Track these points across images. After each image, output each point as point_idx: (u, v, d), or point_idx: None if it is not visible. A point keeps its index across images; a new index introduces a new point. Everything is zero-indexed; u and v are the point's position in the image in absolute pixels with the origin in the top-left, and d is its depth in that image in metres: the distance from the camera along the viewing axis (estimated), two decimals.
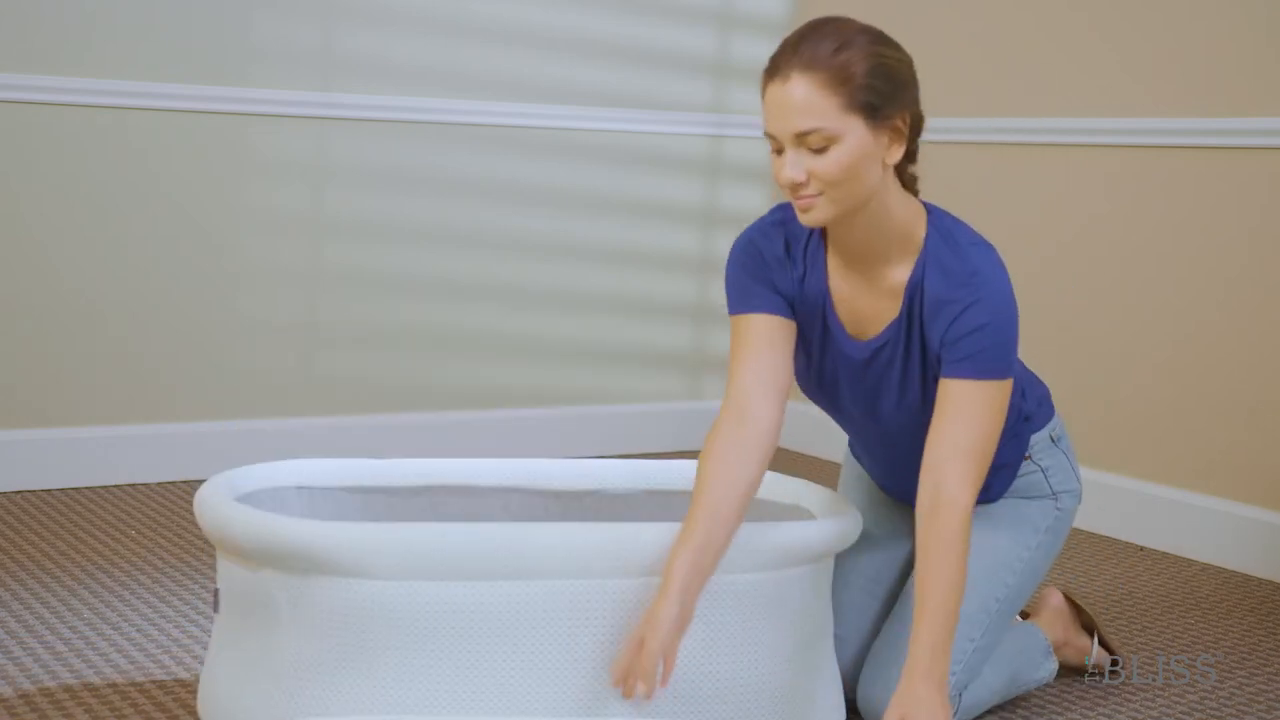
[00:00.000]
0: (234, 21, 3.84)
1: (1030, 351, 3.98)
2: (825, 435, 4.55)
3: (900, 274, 2.23)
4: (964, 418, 2.15)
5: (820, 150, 2.09)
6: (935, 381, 2.26)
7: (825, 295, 2.28)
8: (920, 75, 4.25)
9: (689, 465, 2.60)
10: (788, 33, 4.60)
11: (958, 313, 2.17)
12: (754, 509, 2.55)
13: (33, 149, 3.67)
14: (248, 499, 2.36)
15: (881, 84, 2.10)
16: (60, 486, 3.77)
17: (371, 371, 4.11)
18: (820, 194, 2.12)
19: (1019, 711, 2.58)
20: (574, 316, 4.37)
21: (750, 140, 4.57)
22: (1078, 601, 2.74)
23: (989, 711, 2.58)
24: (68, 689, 2.47)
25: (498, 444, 4.28)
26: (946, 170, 4.18)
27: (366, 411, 4.12)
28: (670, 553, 2.13)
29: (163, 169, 3.81)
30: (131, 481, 3.85)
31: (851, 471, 2.65)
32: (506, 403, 4.31)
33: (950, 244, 2.21)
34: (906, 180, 2.24)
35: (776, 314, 2.27)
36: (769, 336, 2.26)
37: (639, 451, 4.51)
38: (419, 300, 4.15)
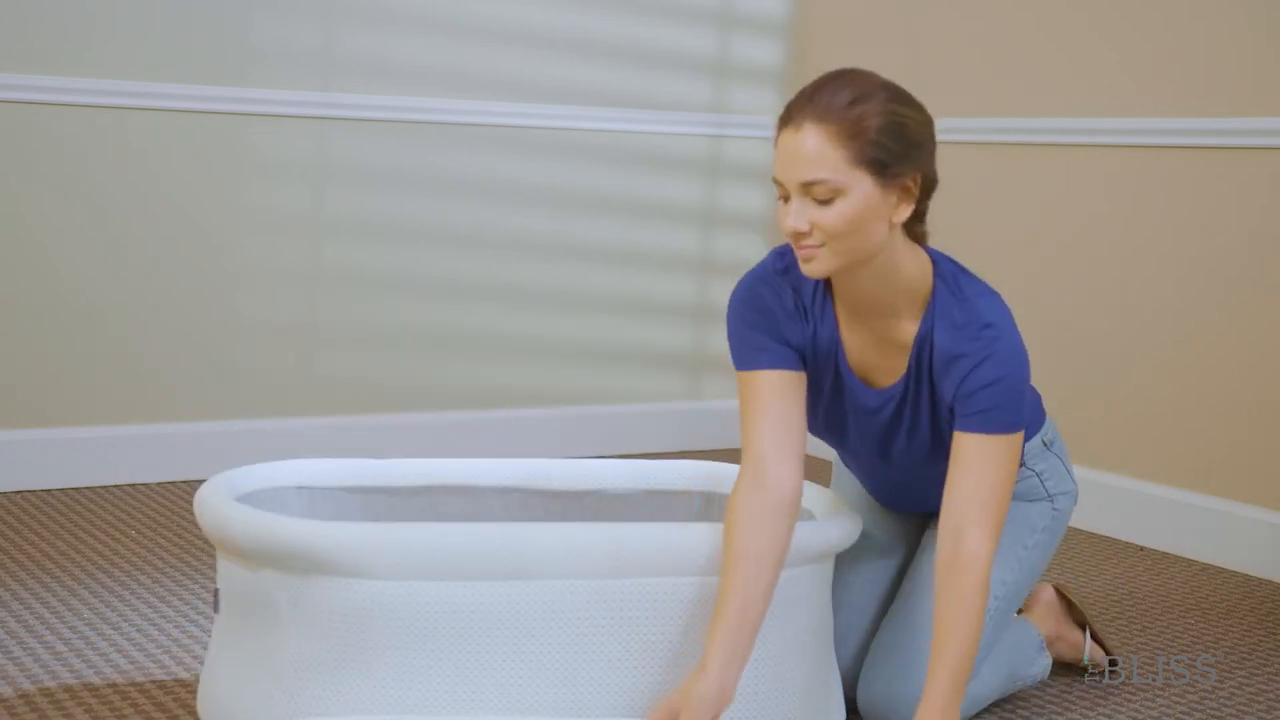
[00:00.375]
0: (234, 21, 3.84)
1: (1031, 351, 3.98)
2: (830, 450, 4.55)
3: (909, 328, 2.22)
4: (979, 471, 2.14)
5: (825, 202, 2.07)
6: (945, 425, 2.27)
7: (837, 345, 2.26)
8: (920, 75, 4.25)
9: (689, 465, 2.60)
10: (787, 33, 4.60)
11: (969, 368, 2.15)
12: None
13: (33, 149, 3.67)
14: (248, 499, 2.36)
15: (893, 142, 2.08)
16: (60, 486, 3.77)
17: (371, 371, 4.11)
18: (822, 245, 2.10)
19: (1019, 712, 2.58)
20: (574, 316, 4.37)
21: (750, 140, 4.57)
22: (1070, 596, 2.74)
23: (989, 711, 2.58)
24: (68, 689, 2.47)
25: (498, 444, 4.28)
26: (947, 170, 4.19)
27: (366, 411, 4.12)
28: (709, 630, 2.10)
29: (163, 169, 3.81)
30: (131, 481, 3.85)
31: (844, 477, 2.66)
32: (506, 403, 4.31)
33: (957, 296, 2.19)
34: (916, 235, 2.22)
35: (785, 368, 2.24)
36: (780, 392, 2.23)
37: (639, 451, 4.51)
38: (419, 300, 4.15)
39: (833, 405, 2.32)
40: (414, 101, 4.06)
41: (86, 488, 3.79)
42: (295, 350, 4.01)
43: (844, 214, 2.08)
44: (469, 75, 4.14)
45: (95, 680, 2.51)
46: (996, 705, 2.60)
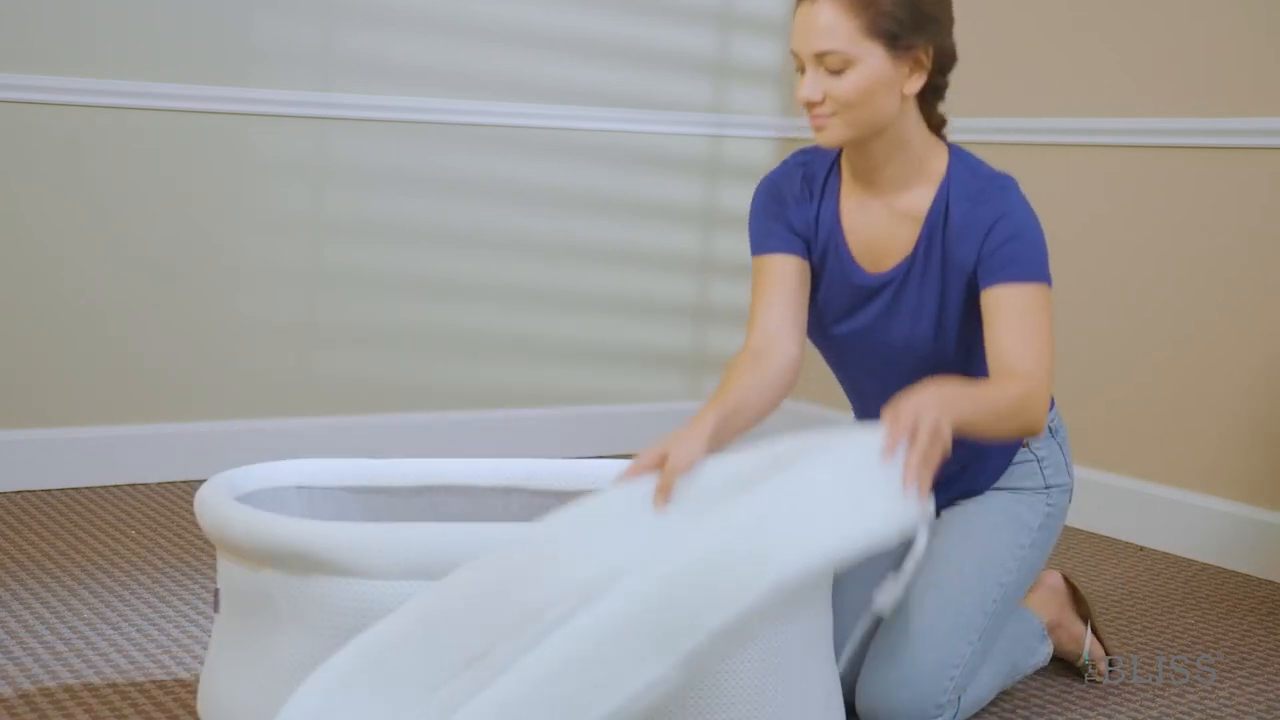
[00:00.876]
0: (234, 21, 3.84)
1: None
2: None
3: (920, 200, 2.27)
4: (1020, 321, 2.19)
5: (837, 72, 2.16)
6: (950, 313, 2.28)
7: (837, 228, 2.32)
8: None
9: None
10: (787, 33, 4.60)
11: (989, 226, 2.21)
12: None
13: (33, 149, 3.67)
14: (248, 499, 2.36)
15: (905, 14, 2.15)
16: (60, 486, 3.77)
17: (371, 371, 4.11)
18: (834, 114, 2.19)
19: (1019, 712, 2.58)
20: (574, 316, 4.37)
21: (750, 140, 4.57)
22: (1077, 587, 2.73)
23: (989, 711, 2.58)
24: (68, 689, 2.47)
25: (498, 444, 4.28)
26: None
27: (366, 411, 4.12)
28: (699, 412, 2.18)
29: (163, 169, 3.81)
30: (131, 481, 3.85)
31: None
32: (506, 403, 4.31)
33: (974, 172, 2.26)
34: (934, 120, 2.29)
35: (794, 254, 2.33)
36: (787, 275, 2.32)
37: (639, 451, 4.51)
38: (419, 300, 4.15)
39: (829, 295, 2.34)
40: (414, 101, 4.06)
41: (86, 488, 3.79)
42: (295, 350, 4.01)
43: (855, 84, 2.16)
44: (469, 75, 4.14)
45: (95, 680, 2.51)
46: (996, 705, 2.60)
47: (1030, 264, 2.21)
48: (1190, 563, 3.57)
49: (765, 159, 4.60)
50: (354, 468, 2.47)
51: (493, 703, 1.86)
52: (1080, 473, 3.84)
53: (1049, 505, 2.47)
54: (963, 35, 4.14)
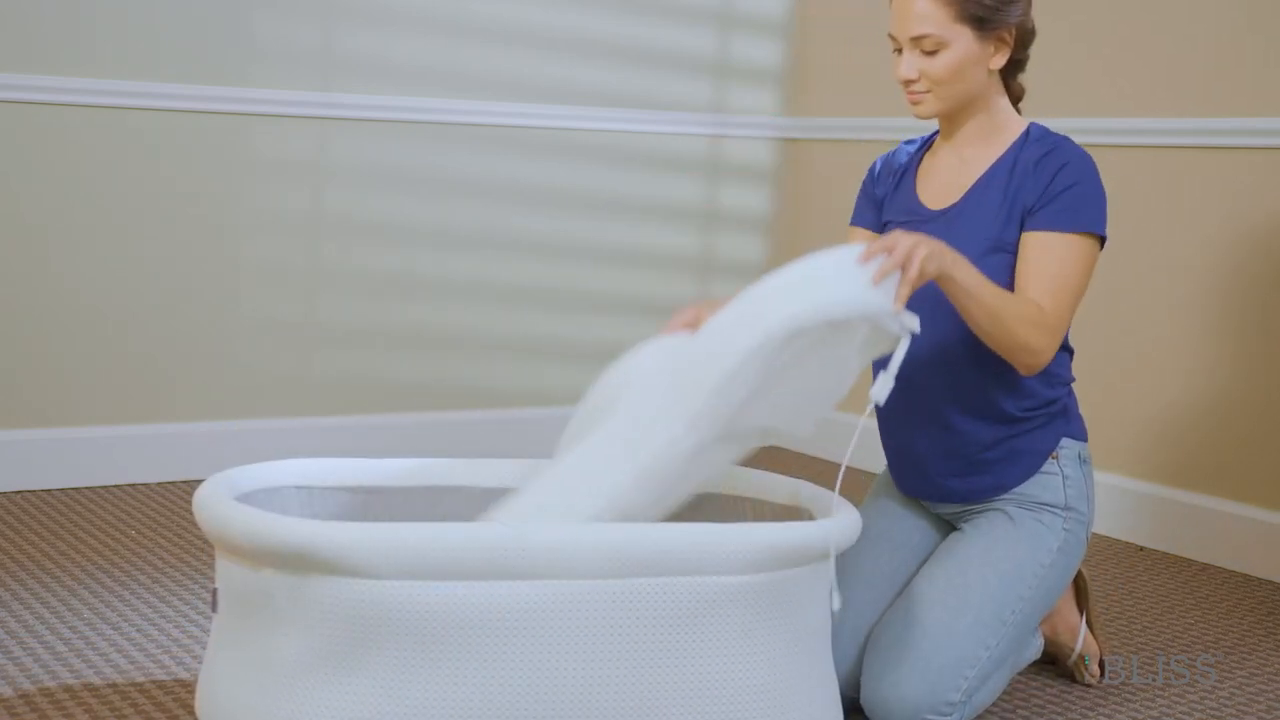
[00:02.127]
0: (234, 21, 3.84)
1: None
2: (827, 436, 4.55)
3: (991, 153, 2.50)
4: (1052, 269, 2.38)
5: (931, 53, 2.41)
6: (992, 246, 2.44)
7: (912, 176, 2.58)
8: None
9: None
10: (787, 33, 4.60)
11: (1054, 171, 2.41)
12: (754, 509, 2.55)
13: (33, 149, 3.67)
14: (247, 499, 2.36)
15: (999, 2, 2.39)
16: (60, 486, 3.77)
17: (371, 371, 4.11)
18: (928, 91, 2.44)
19: (1019, 711, 2.58)
20: (574, 316, 4.37)
21: (750, 140, 4.57)
22: (1082, 575, 2.73)
23: (989, 711, 2.58)
24: (68, 689, 2.47)
25: (496, 444, 4.28)
26: None
27: (366, 411, 4.12)
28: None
29: (163, 169, 3.81)
30: (131, 481, 3.85)
31: (881, 481, 2.69)
32: (506, 403, 4.31)
33: (1047, 134, 2.48)
34: (1015, 91, 2.54)
35: (870, 228, 2.62)
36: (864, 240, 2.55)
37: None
38: (419, 300, 4.15)
39: (891, 229, 2.56)
40: (414, 101, 4.06)
41: (86, 488, 3.79)
42: (295, 350, 4.01)
43: (948, 64, 2.41)
44: (469, 75, 4.14)
45: (95, 680, 2.51)
46: (996, 704, 2.60)
47: (1081, 214, 2.40)
48: (1190, 563, 3.57)
49: (765, 159, 4.60)
50: (353, 468, 2.47)
51: (547, 478, 2.21)
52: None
53: (1066, 529, 2.49)
54: None
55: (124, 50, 3.73)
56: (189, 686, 2.51)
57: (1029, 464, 2.49)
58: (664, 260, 4.49)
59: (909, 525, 2.60)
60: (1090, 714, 2.59)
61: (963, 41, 2.41)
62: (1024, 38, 2.48)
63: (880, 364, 2.56)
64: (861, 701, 2.42)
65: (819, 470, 4.36)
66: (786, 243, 4.67)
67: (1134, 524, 3.72)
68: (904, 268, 2.18)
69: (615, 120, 4.34)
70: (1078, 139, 3.83)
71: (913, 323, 2.19)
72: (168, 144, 3.81)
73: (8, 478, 3.71)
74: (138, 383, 3.84)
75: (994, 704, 2.61)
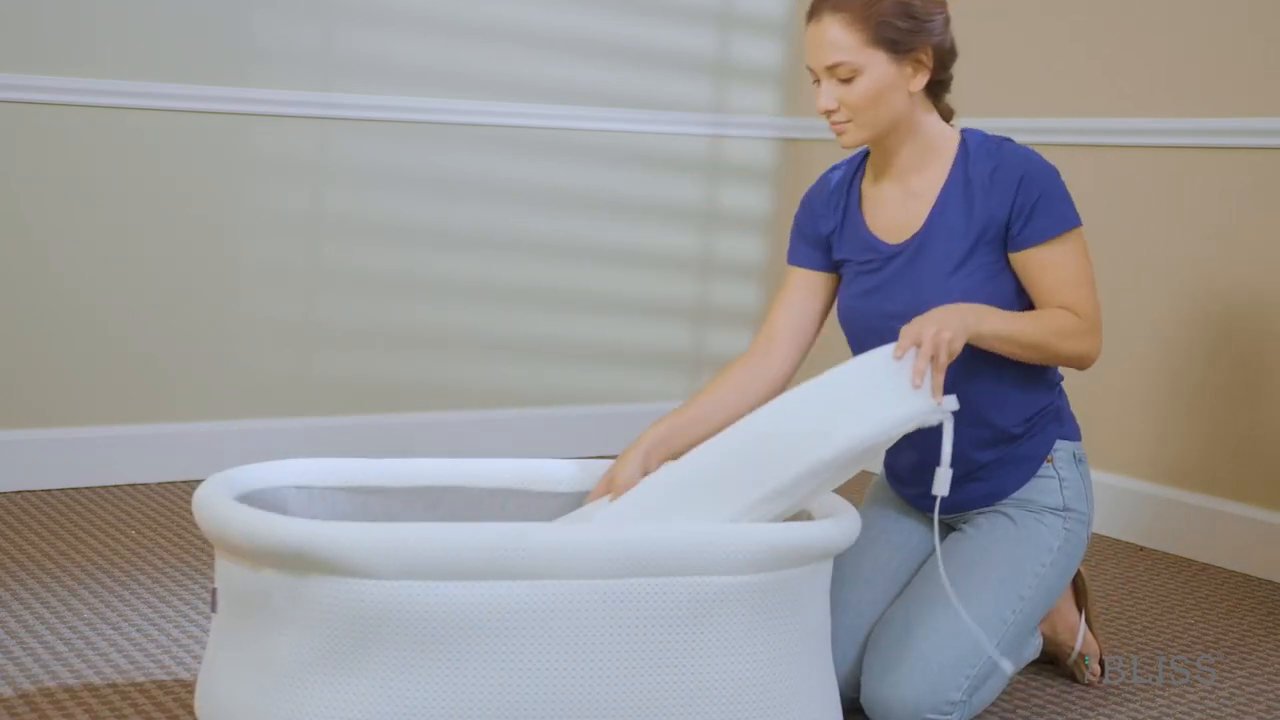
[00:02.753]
0: (234, 21, 3.84)
1: None
2: None
3: (935, 178, 2.45)
4: (1066, 272, 2.39)
5: (848, 81, 2.37)
6: (961, 273, 2.43)
7: (858, 214, 2.51)
8: None
9: None
10: (787, 33, 4.60)
11: (1016, 182, 2.39)
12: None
13: (33, 149, 3.67)
14: (246, 499, 2.36)
15: (903, 21, 2.35)
16: (60, 486, 3.77)
17: (371, 371, 4.11)
18: (849, 119, 2.40)
19: (1019, 711, 2.58)
20: (574, 316, 4.37)
21: (750, 140, 4.57)
22: (1081, 574, 2.73)
23: (989, 711, 2.58)
24: (68, 689, 2.47)
25: (497, 444, 4.28)
26: None
27: (366, 411, 4.12)
28: (651, 425, 2.47)
29: (163, 169, 3.81)
30: (131, 481, 3.85)
31: (879, 483, 2.70)
32: (506, 403, 4.31)
33: (985, 139, 2.45)
34: (943, 111, 2.49)
35: (814, 269, 2.57)
36: (803, 288, 2.57)
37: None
38: (419, 300, 4.15)
39: (858, 272, 2.52)
40: (414, 101, 4.06)
41: (86, 488, 3.79)
42: (295, 350, 4.01)
43: (865, 91, 2.37)
44: (469, 75, 4.14)
45: (95, 680, 2.51)
46: (996, 704, 2.60)
47: (1061, 215, 2.39)
48: (1190, 563, 3.57)
49: (765, 159, 4.60)
50: (352, 468, 2.47)
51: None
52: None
53: (1066, 529, 2.50)
54: (961, 36, 4.14)
55: (124, 50, 3.73)
56: (189, 686, 2.51)
57: (1025, 470, 2.49)
58: (664, 260, 4.49)
59: (908, 526, 2.60)
60: (1090, 714, 2.59)
61: (878, 66, 2.36)
62: (943, 58, 2.43)
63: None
64: (862, 701, 2.42)
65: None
66: (786, 243, 4.67)
67: (1134, 524, 3.72)
68: (934, 356, 2.21)
69: (615, 120, 4.34)
70: (1078, 139, 3.83)
71: (952, 404, 2.22)
72: (168, 144, 3.81)
73: (8, 478, 3.71)
74: (138, 383, 3.84)
75: (994, 704, 2.61)
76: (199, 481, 3.91)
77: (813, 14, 2.39)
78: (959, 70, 4.15)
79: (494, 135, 4.19)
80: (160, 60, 3.77)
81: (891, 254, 2.47)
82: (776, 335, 2.54)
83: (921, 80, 2.39)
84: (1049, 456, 2.50)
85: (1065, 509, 2.50)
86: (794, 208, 4.64)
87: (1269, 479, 3.48)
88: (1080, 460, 2.54)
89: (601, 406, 4.44)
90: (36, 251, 3.70)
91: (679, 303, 4.53)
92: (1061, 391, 2.55)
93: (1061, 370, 3.90)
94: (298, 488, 2.43)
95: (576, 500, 2.55)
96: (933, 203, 2.45)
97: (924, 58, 2.39)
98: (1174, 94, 3.66)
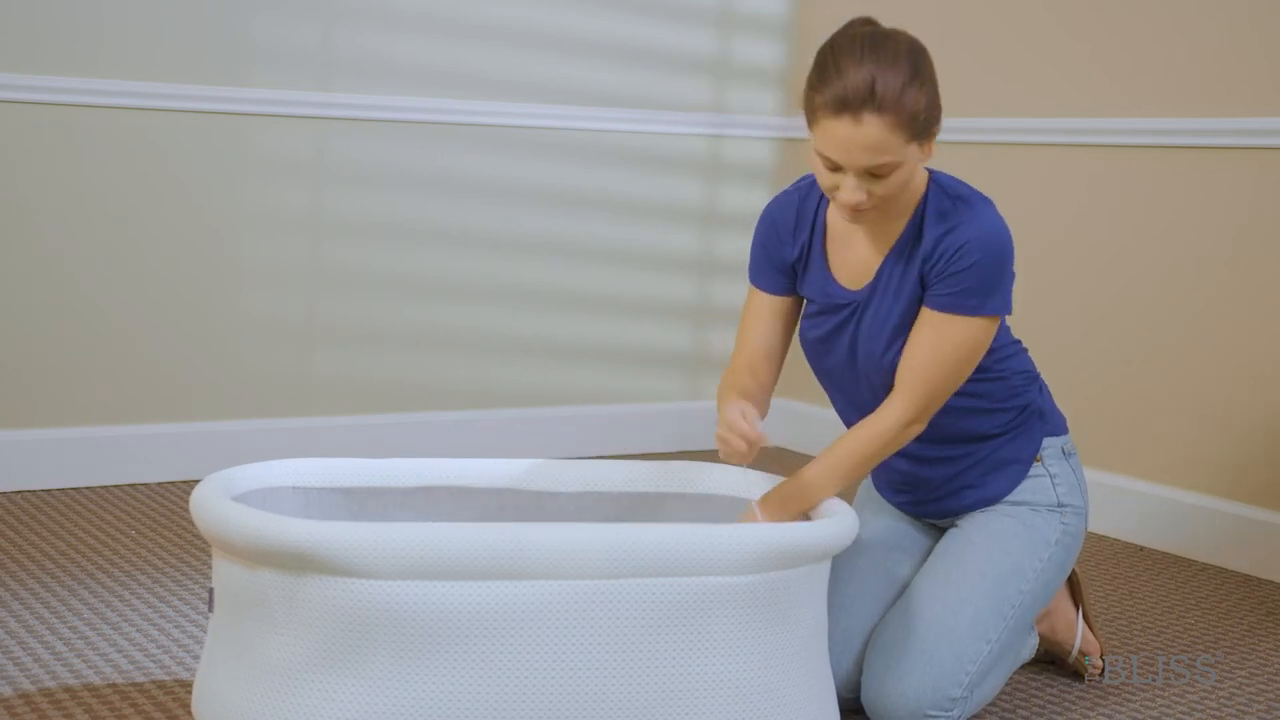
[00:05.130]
0: (234, 21, 3.84)
1: (1032, 351, 3.98)
2: (823, 435, 4.55)
3: (894, 226, 2.39)
4: (930, 344, 2.34)
5: (880, 176, 2.26)
6: (907, 324, 2.40)
7: (822, 250, 2.46)
8: None
9: (686, 466, 2.60)
10: (787, 33, 4.59)
11: (954, 251, 2.32)
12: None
13: (33, 149, 3.67)
14: (243, 499, 2.36)
15: (932, 110, 2.27)
16: (60, 486, 3.77)
17: (371, 371, 4.11)
18: (874, 206, 2.30)
19: (1019, 711, 2.58)
20: (574, 316, 4.37)
21: (750, 140, 4.57)
22: (1075, 573, 2.74)
23: (989, 711, 2.58)
24: (68, 689, 2.47)
25: (497, 444, 4.28)
26: (945, 169, 4.18)
27: (366, 411, 4.12)
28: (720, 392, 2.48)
29: (163, 169, 3.81)
30: (131, 481, 3.85)
31: (867, 488, 2.70)
32: (506, 403, 4.31)
33: (945, 193, 2.37)
34: None
35: (781, 294, 2.51)
36: (772, 312, 2.52)
37: (639, 452, 4.51)
38: (419, 300, 4.15)
39: (819, 312, 2.49)
40: (414, 101, 4.06)
41: (86, 488, 3.79)
42: (295, 350, 4.01)
43: (898, 181, 2.27)
44: (469, 75, 4.14)
45: (95, 680, 2.51)
46: (996, 704, 2.60)
47: (971, 297, 2.32)
48: (1190, 563, 3.57)
49: (765, 159, 4.60)
50: (349, 468, 2.47)
51: None
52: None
53: (1064, 523, 2.50)
54: (961, 36, 4.14)
55: (124, 50, 3.73)
56: (188, 686, 2.51)
57: (1015, 473, 2.50)
58: (664, 260, 4.48)
59: (905, 527, 2.61)
60: (1090, 714, 2.58)
61: (911, 157, 2.26)
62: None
63: None
64: (863, 700, 2.42)
65: None
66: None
67: (1134, 524, 3.72)
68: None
69: (615, 120, 4.34)
70: (1079, 139, 3.83)
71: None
72: (168, 144, 3.81)
73: (8, 478, 3.71)
74: (138, 383, 3.84)
75: (994, 703, 2.61)
76: (198, 481, 3.91)
77: (846, 111, 2.23)
78: (959, 70, 4.15)
79: (494, 135, 4.19)
80: (160, 60, 3.77)
81: (842, 303, 2.43)
82: (757, 361, 2.50)
83: (932, 149, 2.32)
84: (1038, 456, 2.50)
85: (1060, 505, 2.51)
86: None
87: (1269, 479, 3.48)
88: (1070, 454, 2.54)
89: (601, 406, 4.44)
90: (36, 251, 3.70)
91: (679, 303, 4.53)
92: (1040, 387, 2.54)
93: (1054, 369, 3.90)
94: (295, 488, 2.43)
95: (576, 500, 2.55)
96: (887, 250, 2.40)
97: (937, 129, 2.32)
98: (1174, 94, 3.65)
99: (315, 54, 3.94)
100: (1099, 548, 3.66)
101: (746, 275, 4.62)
